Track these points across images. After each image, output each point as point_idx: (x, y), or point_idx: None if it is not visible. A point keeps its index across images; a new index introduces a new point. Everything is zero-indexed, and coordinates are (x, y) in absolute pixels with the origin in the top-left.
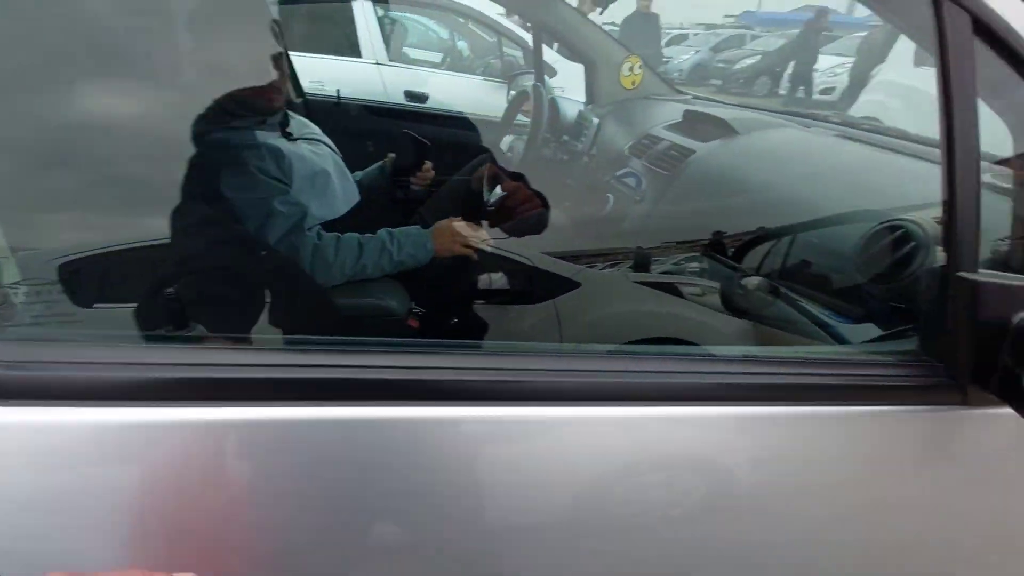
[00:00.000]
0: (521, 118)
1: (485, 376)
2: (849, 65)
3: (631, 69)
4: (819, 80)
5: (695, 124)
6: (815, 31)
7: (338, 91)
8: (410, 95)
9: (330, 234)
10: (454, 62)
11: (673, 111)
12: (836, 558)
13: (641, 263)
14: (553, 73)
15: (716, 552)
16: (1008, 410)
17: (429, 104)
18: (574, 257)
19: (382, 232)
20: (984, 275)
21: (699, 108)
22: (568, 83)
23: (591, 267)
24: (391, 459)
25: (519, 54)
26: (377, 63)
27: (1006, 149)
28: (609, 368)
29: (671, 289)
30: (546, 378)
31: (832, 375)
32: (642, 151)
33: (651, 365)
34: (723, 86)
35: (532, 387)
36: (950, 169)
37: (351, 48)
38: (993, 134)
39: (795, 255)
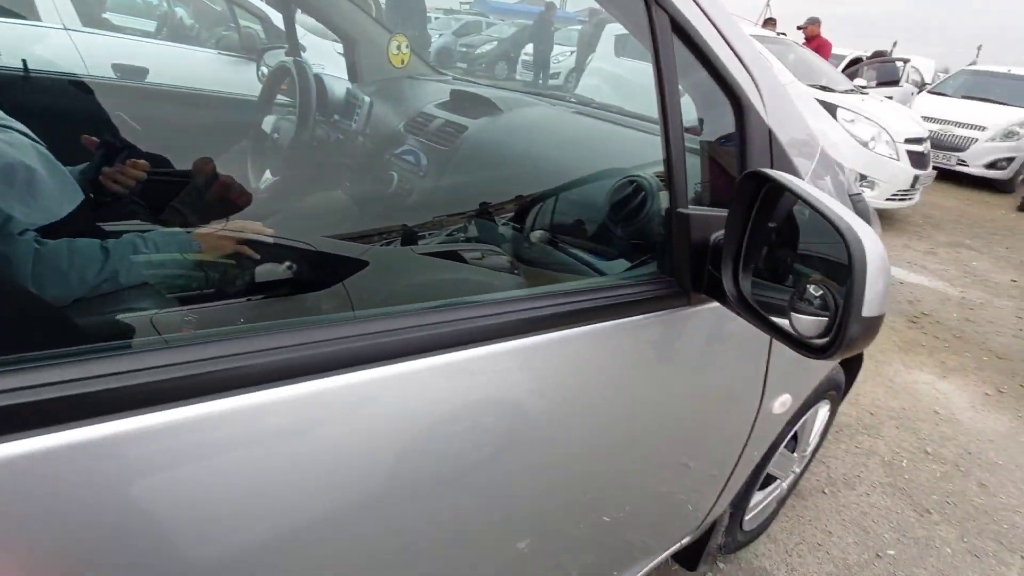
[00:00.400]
0: (280, 97)
1: (254, 360)
2: (570, 54)
3: (399, 48)
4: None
5: (463, 103)
6: (546, 22)
7: (24, 62)
8: (122, 69)
9: (58, 240)
10: (174, 32)
11: (440, 91)
12: (618, 454)
13: (428, 235)
14: (303, 49)
15: (527, 483)
16: (715, 303)
17: (151, 80)
18: (363, 236)
19: (130, 236)
20: (692, 209)
21: (463, 88)
22: (317, 60)
23: (382, 244)
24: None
25: (259, 27)
26: (66, 28)
27: (692, 118)
28: (389, 327)
29: (455, 256)
30: (320, 349)
31: (596, 299)
32: (418, 128)
33: (433, 317)
34: (468, 69)
35: (302, 361)
36: (666, 134)
37: (26, 7)
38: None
39: (561, 211)
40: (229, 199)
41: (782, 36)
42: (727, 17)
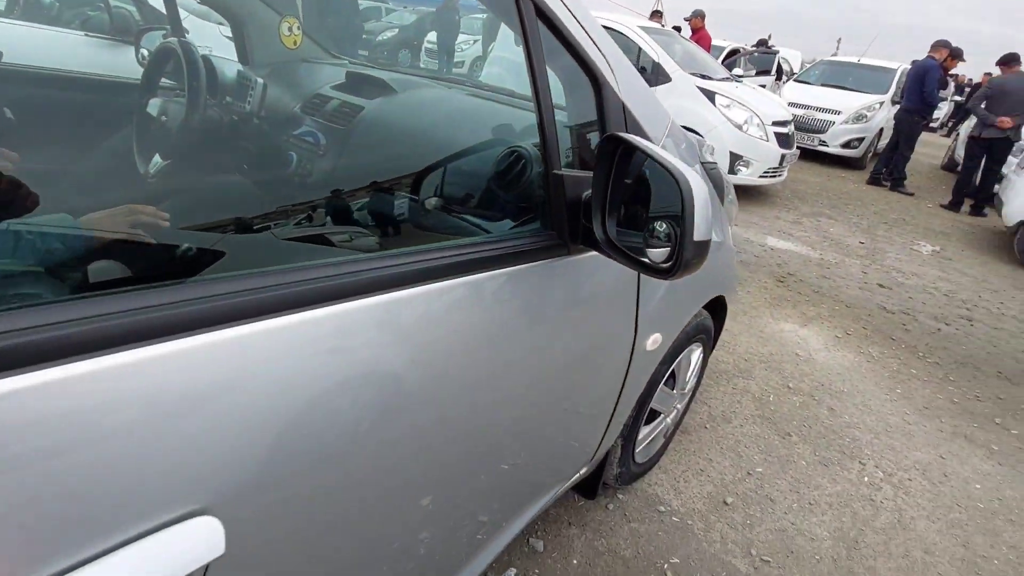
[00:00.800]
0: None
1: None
2: (474, 42)
3: (291, 29)
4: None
5: (359, 84)
6: (450, 10)
7: None
8: None
9: None
10: (30, 12)
11: (335, 73)
12: (512, 397)
13: (327, 211)
14: (186, 32)
15: (423, 439)
16: (592, 253)
17: (7, 62)
18: (263, 216)
19: (9, 222)
20: (565, 171)
21: (359, 71)
22: (202, 42)
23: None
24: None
25: (132, 7)
26: None
27: (559, 95)
28: (264, 284)
29: (322, 240)
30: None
31: (486, 251)
32: (314, 110)
33: (323, 271)
34: (370, 55)
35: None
36: (538, 108)
37: None
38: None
39: (454, 181)
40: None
41: (674, 30)
42: (583, 7)
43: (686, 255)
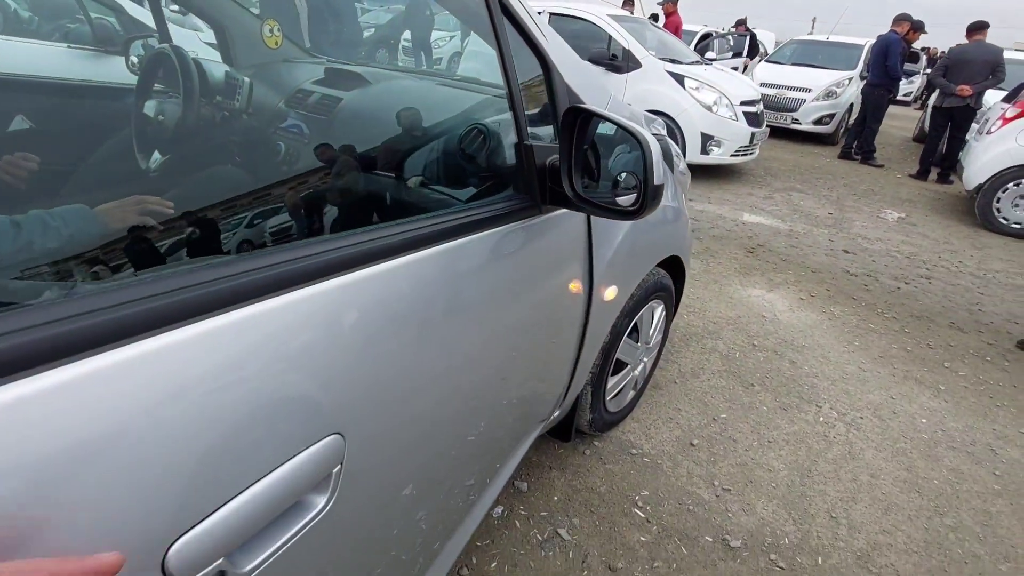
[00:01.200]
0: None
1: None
2: (450, 39)
3: (272, 31)
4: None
5: (337, 78)
6: (421, 6)
7: None
8: None
9: None
10: (8, 25)
11: (314, 71)
12: (489, 350)
13: (316, 191)
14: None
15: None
16: (558, 210)
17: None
18: (256, 199)
19: (36, 211)
20: (533, 142)
21: (336, 67)
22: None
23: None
24: None
25: (112, 19)
26: None
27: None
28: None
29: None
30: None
31: (467, 217)
32: (298, 103)
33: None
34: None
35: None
36: (509, 90)
37: None
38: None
39: (431, 160)
40: None
41: (651, 19)
42: (529, 5)
43: (649, 195)
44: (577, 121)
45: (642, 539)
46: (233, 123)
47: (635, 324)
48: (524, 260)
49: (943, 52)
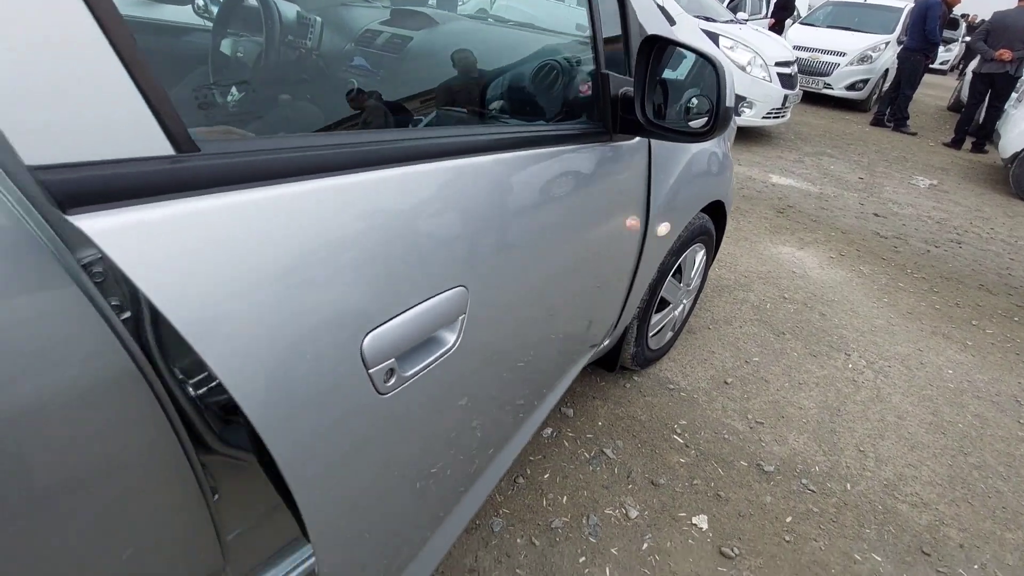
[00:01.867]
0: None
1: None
2: None
3: None
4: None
5: (405, 18)
6: None
7: None
8: None
9: None
10: None
11: (379, 12)
12: (561, 264)
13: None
14: None
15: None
16: (629, 138)
17: None
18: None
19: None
20: (609, 72)
21: (403, 7)
22: None
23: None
24: None
25: None
26: None
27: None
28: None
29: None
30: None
31: (548, 131)
32: (367, 42)
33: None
34: None
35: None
36: (592, 18)
37: None
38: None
39: (510, 93)
40: None
41: None
42: None
43: (721, 116)
44: (652, 50)
45: (681, 460)
46: (306, 61)
47: (679, 265)
48: (593, 181)
49: (983, 19)
